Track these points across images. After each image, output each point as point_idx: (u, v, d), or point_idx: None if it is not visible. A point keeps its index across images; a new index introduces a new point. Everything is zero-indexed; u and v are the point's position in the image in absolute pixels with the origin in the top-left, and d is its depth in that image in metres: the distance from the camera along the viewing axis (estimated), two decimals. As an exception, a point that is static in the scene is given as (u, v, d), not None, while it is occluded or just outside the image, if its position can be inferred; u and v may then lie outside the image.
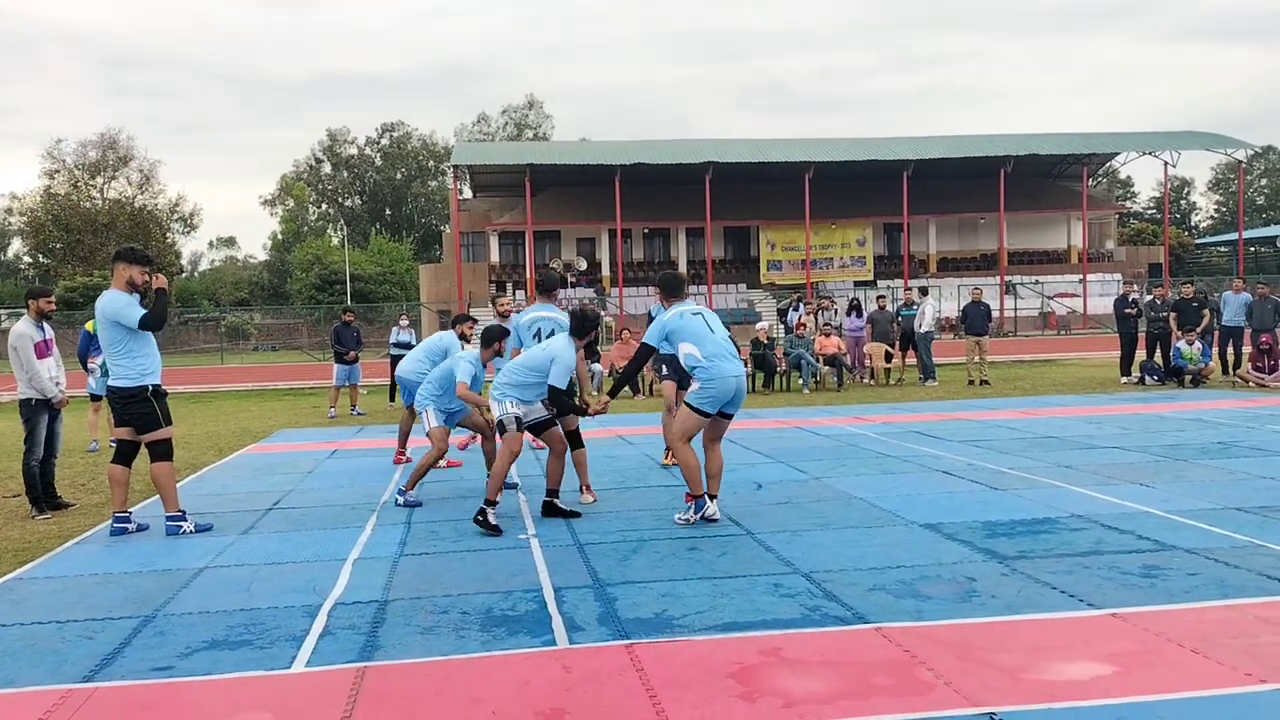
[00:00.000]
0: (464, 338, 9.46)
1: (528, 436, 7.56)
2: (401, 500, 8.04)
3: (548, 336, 7.96)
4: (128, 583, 5.89)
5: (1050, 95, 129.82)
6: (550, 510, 7.39)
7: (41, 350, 8.21)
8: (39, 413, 8.25)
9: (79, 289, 50.71)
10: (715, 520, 6.93)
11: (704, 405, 6.81)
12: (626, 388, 14.93)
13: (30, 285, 8.96)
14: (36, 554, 6.74)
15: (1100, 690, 3.85)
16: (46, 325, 8.45)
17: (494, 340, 8.33)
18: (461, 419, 8.61)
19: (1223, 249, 69.96)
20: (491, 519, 6.87)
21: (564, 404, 7.29)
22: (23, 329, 8.20)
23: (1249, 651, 4.18)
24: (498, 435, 7.29)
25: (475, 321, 10.00)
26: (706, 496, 6.98)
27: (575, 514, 7.37)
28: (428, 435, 8.41)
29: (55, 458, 8.60)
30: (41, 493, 8.36)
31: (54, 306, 8.61)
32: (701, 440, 7.10)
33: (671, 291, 7.24)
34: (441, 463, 9.24)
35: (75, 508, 8.39)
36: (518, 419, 7.11)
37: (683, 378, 7.82)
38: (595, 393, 8.06)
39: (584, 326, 7.30)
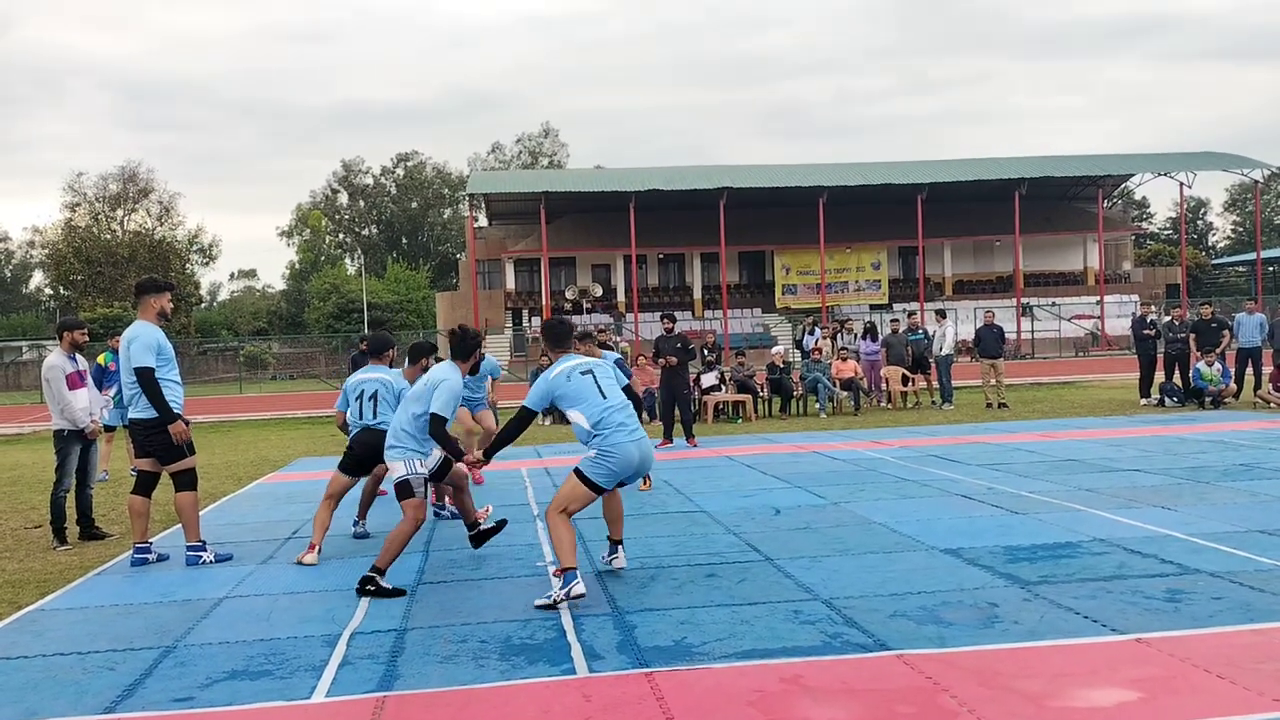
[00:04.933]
0: (425, 369, 9.49)
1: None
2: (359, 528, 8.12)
3: (370, 398, 7.52)
4: (149, 613, 5.91)
5: (1066, 117, 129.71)
6: (481, 539, 6.94)
7: (74, 381, 8.29)
8: (71, 443, 8.33)
9: (99, 320, 51.13)
10: (619, 569, 6.44)
11: (598, 479, 5.88)
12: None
13: (62, 318, 9.04)
14: (58, 585, 6.77)
15: (1126, 717, 3.81)
16: (79, 356, 8.54)
17: (421, 356, 7.85)
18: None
19: (1240, 269, 69.55)
20: (385, 584, 6.08)
21: (447, 442, 6.36)
22: (55, 361, 8.29)
23: (1276, 676, 4.13)
24: (397, 497, 6.43)
25: (437, 352, 10.59)
26: (609, 543, 6.48)
27: (503, 522, 7.03)
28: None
29: (90, 488, 8.68)
30: (79, 523, 8.46)
31: (87, 339, 8.74)
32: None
33: (555, 341, 6.35)
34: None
35: (113, 538, 8.43)
36: (425, 479, 6.41)
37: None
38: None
39: (465, 348, 6.57)
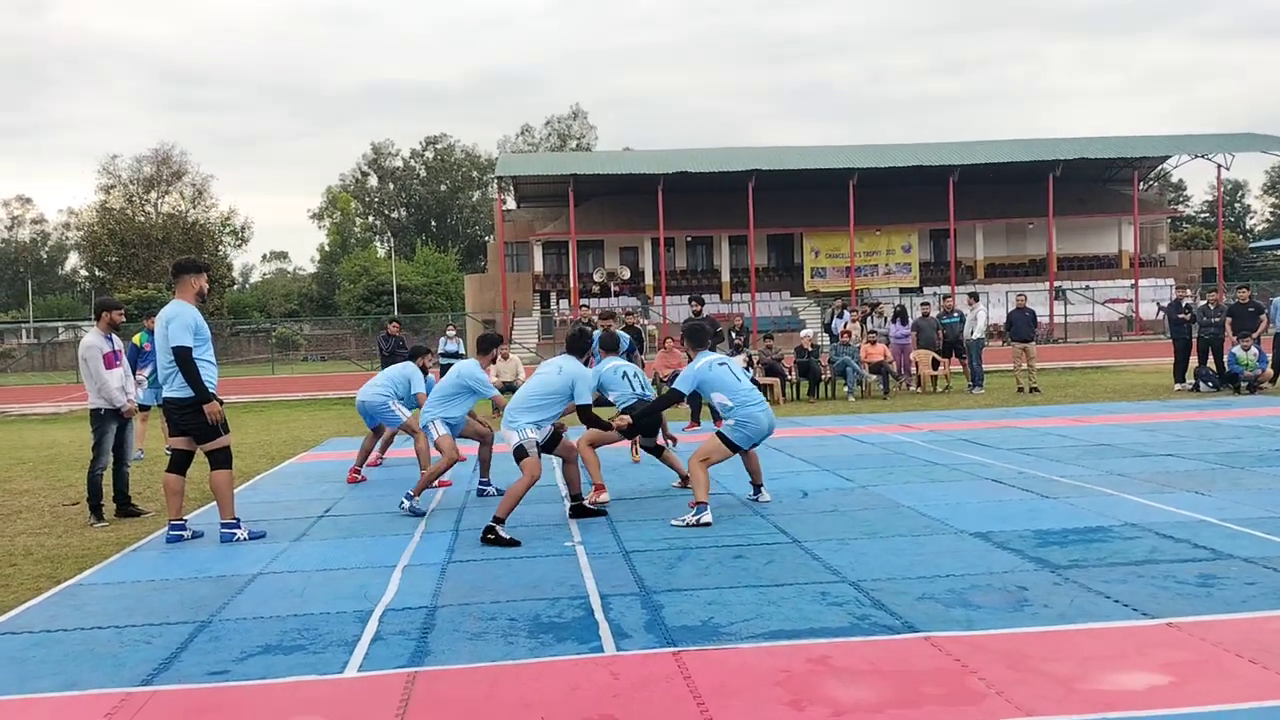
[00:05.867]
0: (424, 370, 10.11)
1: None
2: (407, 506, 8.11)
3: (635, 376, 8.34)
4: (184, 589, 6.00)
5: (1104, 96, 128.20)
6: (580, 512, 7.70)
7: (110, 361, 8.42)
8: (108, 422, 8.45)
9: (134, 302, 51.76)
10: (765, 502, 7.93)
11: (738, 441, 7.53)
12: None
13: (100, 298, 9.22)
14: (95, 560, 6.89)
15: (1156, 701, 3.79)
16: (115, 336, 8.67)
17: (492, 347, 8.93)
18: (461, 429, 8.82)
19: (1278, 253, 68.47)
20: (503, 534, 6.85)
21: (597, 421, 7.86)
22: (92, 340, 8.42)
23: (1310, 662, 4.09)
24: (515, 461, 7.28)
25: (432, 353, 10.91)
26: (753, 488, 7.99)
27: (603, 512, 7.78)
28: (436, 446, 8.58)
29: (127, 465, 8.82)
30: (115, 500, 8.59)
31: (124, 319, 8.89)
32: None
33: (697, 342, 8.04)
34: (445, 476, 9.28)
35: (149, 515, 8.55)
36: (537, 443, 7.24)
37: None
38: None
39: (582, 346, 7.86)
